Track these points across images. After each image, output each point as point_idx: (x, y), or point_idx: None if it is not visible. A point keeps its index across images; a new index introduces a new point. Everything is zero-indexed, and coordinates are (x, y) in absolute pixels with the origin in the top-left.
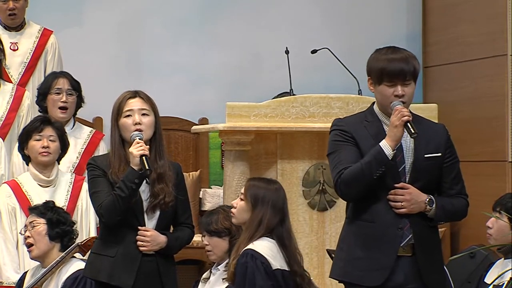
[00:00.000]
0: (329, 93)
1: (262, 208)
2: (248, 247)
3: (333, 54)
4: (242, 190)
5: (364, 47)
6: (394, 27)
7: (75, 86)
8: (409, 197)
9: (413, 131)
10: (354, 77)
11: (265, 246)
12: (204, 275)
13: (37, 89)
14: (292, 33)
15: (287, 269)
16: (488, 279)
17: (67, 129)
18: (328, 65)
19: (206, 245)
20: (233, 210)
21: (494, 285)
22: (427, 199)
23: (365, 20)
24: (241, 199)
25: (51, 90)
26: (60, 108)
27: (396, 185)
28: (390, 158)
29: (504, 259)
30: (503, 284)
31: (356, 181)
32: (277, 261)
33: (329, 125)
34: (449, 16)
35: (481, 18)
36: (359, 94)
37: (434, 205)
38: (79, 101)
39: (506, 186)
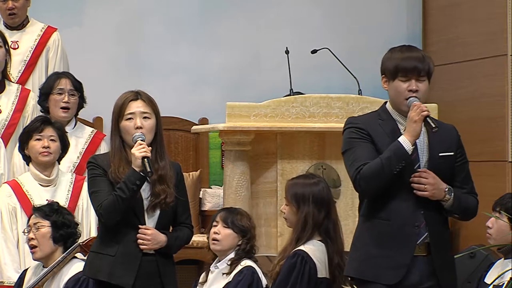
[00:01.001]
0: (329, 93)
1: (304, 206)
2: (300, 248)
3: (333, 54)
4: (285, 194)
5: (364, 47)
6: (394, 27)
7: (77, 87)
8: (433, 181)
9: (433, 126)
10: (354, 77)
11: (316, 250)
12: (201, 279)
13: (39, 89)
14: (292, 33)
15: (329, 276)
16: (488, 279)
17: (69, 129)
18: (328, 65)
19: (216, 233)
20: (284, 216)
21: (494, 285)
22: (447, 188)
23: (365, 20)
24: (286, 204)
25: (53, 90)
26: (62, 108)
27: (419, 169)
28: (410, 153)
29: (504, 259)
30: (503, 284)
31: (376, 177)
32: (324, 268)
33: (329, 125)
34: (449, 16)
35: (481, 18)
36: (359, 94)
37: (452, 195)
38: (81, 102)
39: (506, 186)
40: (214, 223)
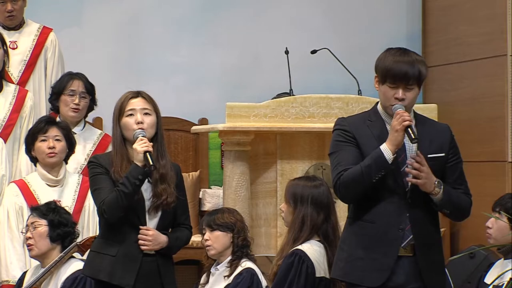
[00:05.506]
0: (329, 93)
1: (302, 206)
2: (298, 247)
3: (333, 54)
4: (284, 194)
5: (364, 47)
6: (394, 27)
7: (89, 90)
8: (427, 170)
9: (413, 137)
10: (354, 77)
11: (314, 250)
12: (202, 281)
13: (51, 87)
14: (292, 33)
15: (328, 276)
16: (488, 279)
17: (77, 130)
18: (328, 65)
19: (206, 240)
20: (282, 214)
21: (494, 285)
22: (437, 181)
23: (365, 20)
24: (285, 203)
25: (65, 90)
26: (72, 109)
27: (417, 156)
28: (390, 163)
29: (504, 259)
30: (503, 284)
31: (355, 184)
32: (322, 268)
33: (329, 125)
34: (449, 16)
35: (481, 18)
36: (359, 94)
37: (442, 188)
38: (92, 104)
39: (506, 186)
40: (203, 231)
